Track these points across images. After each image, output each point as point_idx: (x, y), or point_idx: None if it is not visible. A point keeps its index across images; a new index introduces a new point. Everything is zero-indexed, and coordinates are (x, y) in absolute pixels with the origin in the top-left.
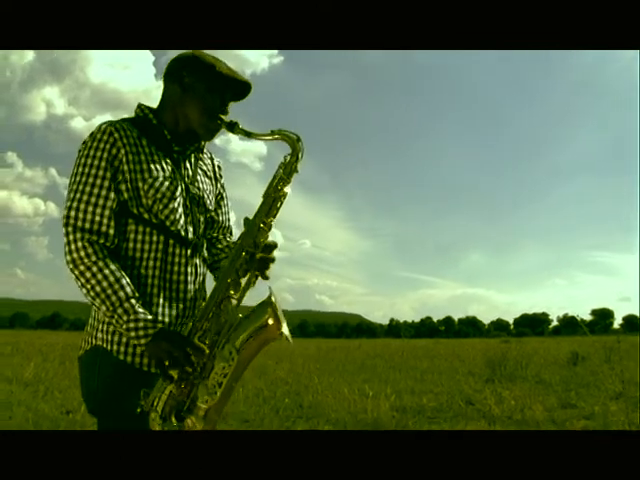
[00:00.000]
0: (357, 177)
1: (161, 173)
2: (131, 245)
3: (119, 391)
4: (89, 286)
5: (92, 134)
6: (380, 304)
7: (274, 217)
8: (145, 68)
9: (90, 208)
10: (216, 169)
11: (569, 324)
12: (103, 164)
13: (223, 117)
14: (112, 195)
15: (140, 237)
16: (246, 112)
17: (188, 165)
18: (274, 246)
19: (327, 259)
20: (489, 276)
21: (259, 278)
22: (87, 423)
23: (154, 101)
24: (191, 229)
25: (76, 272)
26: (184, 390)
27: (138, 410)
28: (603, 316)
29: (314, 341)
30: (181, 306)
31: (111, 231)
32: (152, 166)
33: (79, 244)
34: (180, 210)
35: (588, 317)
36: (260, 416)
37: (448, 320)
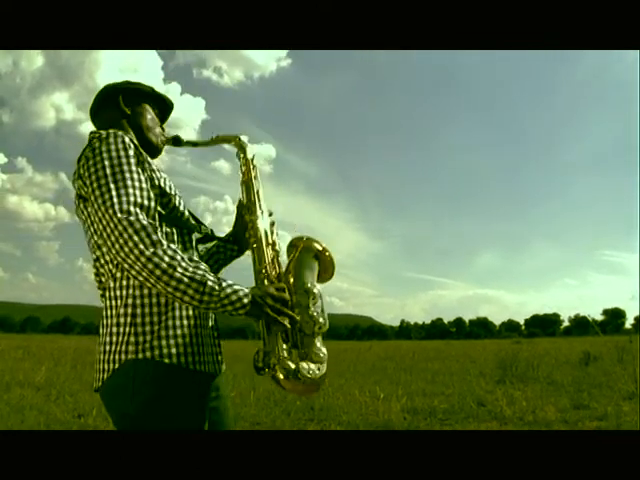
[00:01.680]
0: (366, 178)
1: (162, 181)
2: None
3: (163, 394)
4: (171, 270)
5: (102, 139)
6: (390, 306)
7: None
8: (153, 72)
9: (146, 202)
10: None
11: (580, 324)
12: (133, 160)
13: (165, 135)
14: (155, 190)
15: (169, 237)
16: (256, 115)
17: None
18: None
19: (337, 261)
20: (499, 277)
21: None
22: (99, 426)
23: None
24: (194, 222)
25: (156, 259)
26: (294, 337)
27: (263, 371)
28: (615, 316)
29: (325, 343)
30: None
31: (157, 225)
32: (153, 175)
33: (149, 230)
34: (182, 205)
35: (600, 317)
36: (271, 419)
37: (459, 321)
